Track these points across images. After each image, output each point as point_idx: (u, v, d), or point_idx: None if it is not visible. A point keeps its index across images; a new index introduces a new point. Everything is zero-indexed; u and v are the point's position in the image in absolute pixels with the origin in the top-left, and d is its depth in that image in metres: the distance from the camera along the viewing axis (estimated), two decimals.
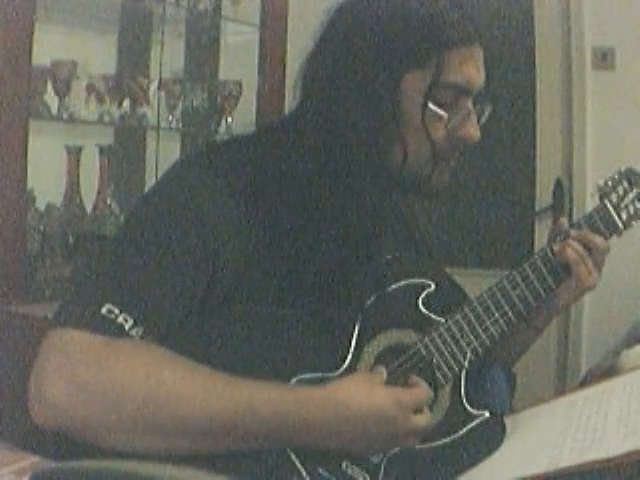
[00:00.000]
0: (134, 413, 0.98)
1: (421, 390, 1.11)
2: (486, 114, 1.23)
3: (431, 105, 1.16)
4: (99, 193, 2.69)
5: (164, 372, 1.00)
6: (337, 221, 1.17)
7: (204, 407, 0.99)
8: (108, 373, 0.98)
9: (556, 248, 1.28)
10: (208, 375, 1.02)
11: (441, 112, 1.16)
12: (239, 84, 3.04)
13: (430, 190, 1.22)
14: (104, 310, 1.02)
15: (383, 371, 1.11)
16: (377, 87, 1.15)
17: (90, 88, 2.69)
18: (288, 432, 1.03)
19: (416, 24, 1.15)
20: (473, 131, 1.20)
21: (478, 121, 1.21)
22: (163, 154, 2.79)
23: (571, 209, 2.98)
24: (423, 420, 1.09)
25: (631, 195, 1.35)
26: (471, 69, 1.17)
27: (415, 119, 1.16)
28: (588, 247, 1.28)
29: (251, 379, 1.03)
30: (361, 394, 1.05)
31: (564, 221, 1.32)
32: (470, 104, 1.19)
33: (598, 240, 1.28)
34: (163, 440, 0.99)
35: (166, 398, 0.98)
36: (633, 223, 1.35)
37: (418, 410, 1.09)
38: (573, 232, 1.29)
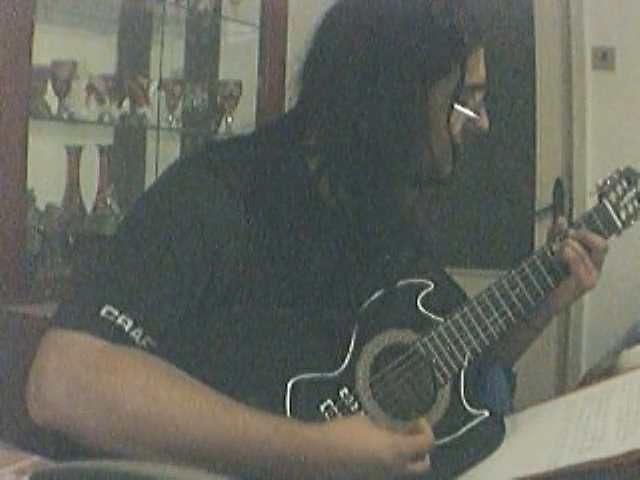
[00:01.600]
0: (126, 425, 0.97)
1: (423, 438, 1.09)
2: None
3: (458, 107, 1.17)
4: (99, 193, 2.69)
5: (161, 388, 0.99)
6: (336, 220, 1.17)
7: (196, 430, 0.98)
8: (105, 381, 0.98)
9: (555, 248, 1.28)
10: (205, 397, 1.00)
11: (470, 113, 1.19)
12: (239, 84, 3.04)
13: (442, 180, 1.24)
14: (104, 312, 1.02)
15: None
16: (405, 100, 1.14)
17: (90, 88, 2.69)
18: (279, 466, 1.01)
19: (437, 35, 1.15)
20: (485, 121, 1.22)
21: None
22: (163, 154, 2.79)
23: (571, 209, 2.97)
24: (420, 468, 1.08)
25: (630, 194, 1.35)
26: (482, 67, 1.20)
27: (439, 123, 1.17)
28: (587, 246, 1.28)
29: (249, 407, 1.01)
30: (359, 439, 1.04)
31: (563, 221, 1.32)
32: (479, 97, 1.21)
33: (597, 239, 1.28)
34: (153, 453, 0.98)
35: (159, 415, 0.97)
36: (632, 222, 1.35)
37: (417, 457, 1.08)
38: (572, 232, 1.29)
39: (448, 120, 1.18)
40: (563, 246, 1.27)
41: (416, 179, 1.22)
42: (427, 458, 1.09)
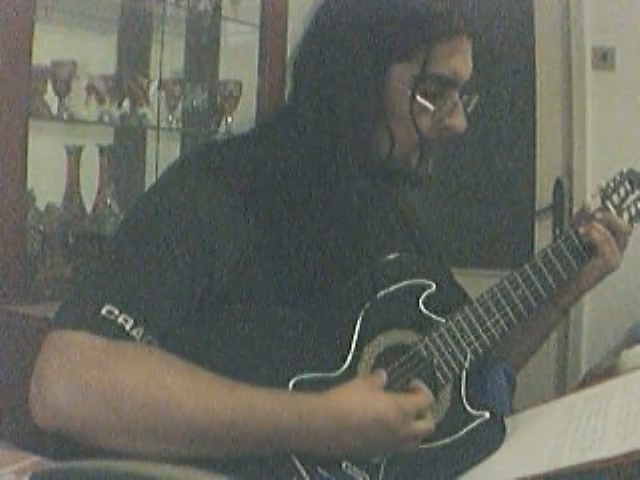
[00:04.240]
0: (133, 415, 0.97)
1: (423, 395, 1.10)
2: (472, 104, 1.24)
3: (419, 98, 1.16)
4: (99, 193, 2.69)
5: (165, 376, 0.99)
6: (337, 220, 1.17)
7: (203, 413, 0.98)
8: (108, 375, 0.98)
9: (582, 230, 1.31)
10: (209, 380, 1.01)
11: (428, 105, 1.17)
12: (239, 84, 3.04)
13: (416, 178, 1.24)
14: (104, 311, 1.02)
15: (383, 373, 1.11)
16: (364, 78, 1.15)
17: (90, 88, 2.69)
18: (287, 439, 1.02)
19: (404, 16, 1.15)
20: (459, 122, 1.20)
21: (465, 111, 1.22)
22: (163, 154, 2.79)
23: (571, 209, 2.98)
24: (424, 425, 1.09)
25: (632, 197, 1.36)
26: (458, 61, 1.18)
27: (402, 110, 1.17)
28: (612, 229, 1.32)
29: (252, 385, 1.02)
30: (362, 402, 1.05)
31: (589, 204, 1.34)
32: (456, 95, 1.19)
33: (621, 222, 1.33)
34: (161, 443, 0.98)
35: (165, 402, 0.98)
36: (634, 224, 1.36)
37: (420, 415, 1.09)
38: (598, 215, 1.33)
39: (411, 109, 1.16)
40: (590, 228, 1.31)
41: (383, 170, 1.22)
42: (430, 417, 1.10)
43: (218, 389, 1.00)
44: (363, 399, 1.05)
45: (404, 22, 1.15)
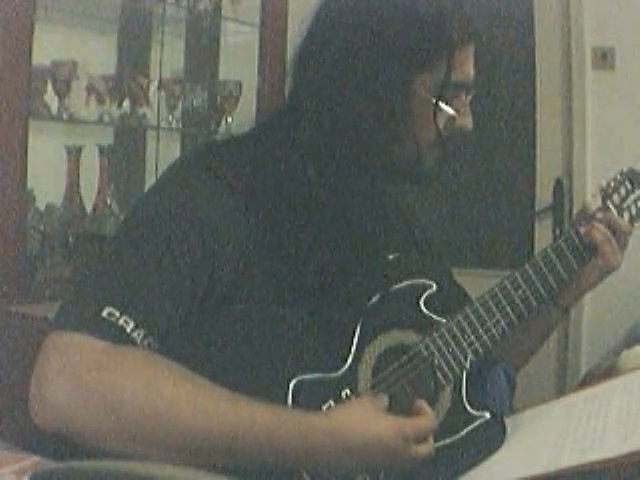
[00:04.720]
0: (131, 422, 0.97)
1: (425, 418, 1.09)
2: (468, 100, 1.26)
3: (442, 105, 1.18)
4: (99, 193, 2.68)
5: (165, 385, 0.99)
6: (337, 220, 1.17)
7: (202, 424, 0.98)
8: (108, 377, 0.98)
9: (583, 230, 1.31)
10: (209, 392, 1.00)
11: (451, 111, 1.19)
12: (239, 84, 3.04)
13: (420, 177, 1.25)
14: (105, 313, 1.02)
15: (384, 397, 1.11)
16: (387, 89, 1.16)
17: (90, 88, 2.69)
18: (285, 456, 1.01)
19: (424, 27, 1.16)
20: (469, 121, 1.23)
21: None
22: (163, 154, 2.79)
23: (571, 209, 2.97)
24: (424, 449, 1.08)
25: (633, 196, 1.36)
26: (470, 66, 1.20)
27: (424, 116, 1.18)
28: (612, 229, 1.32)
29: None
30: (363, 423, 1.04)
31: (590, 204, 1.34)
32: (464, 96, 1.22)
33: (622, 222, 1.33)
34: (160, 449, 0.98)
35: (164, 411, 0.98)
36: (635, 224, 1.36)
37: (421, 439, 1.08)
38: (599, 214, 1.33)
39: (435, 115, 1.18)
40: (591, 228, 1.31)
41: (403, 173, 1.23)
42: (431, 440, 1.09)
43: (218, 401, 1.00)
44: (364, 420, 1.05)
45: (425, 33, 1.16)
